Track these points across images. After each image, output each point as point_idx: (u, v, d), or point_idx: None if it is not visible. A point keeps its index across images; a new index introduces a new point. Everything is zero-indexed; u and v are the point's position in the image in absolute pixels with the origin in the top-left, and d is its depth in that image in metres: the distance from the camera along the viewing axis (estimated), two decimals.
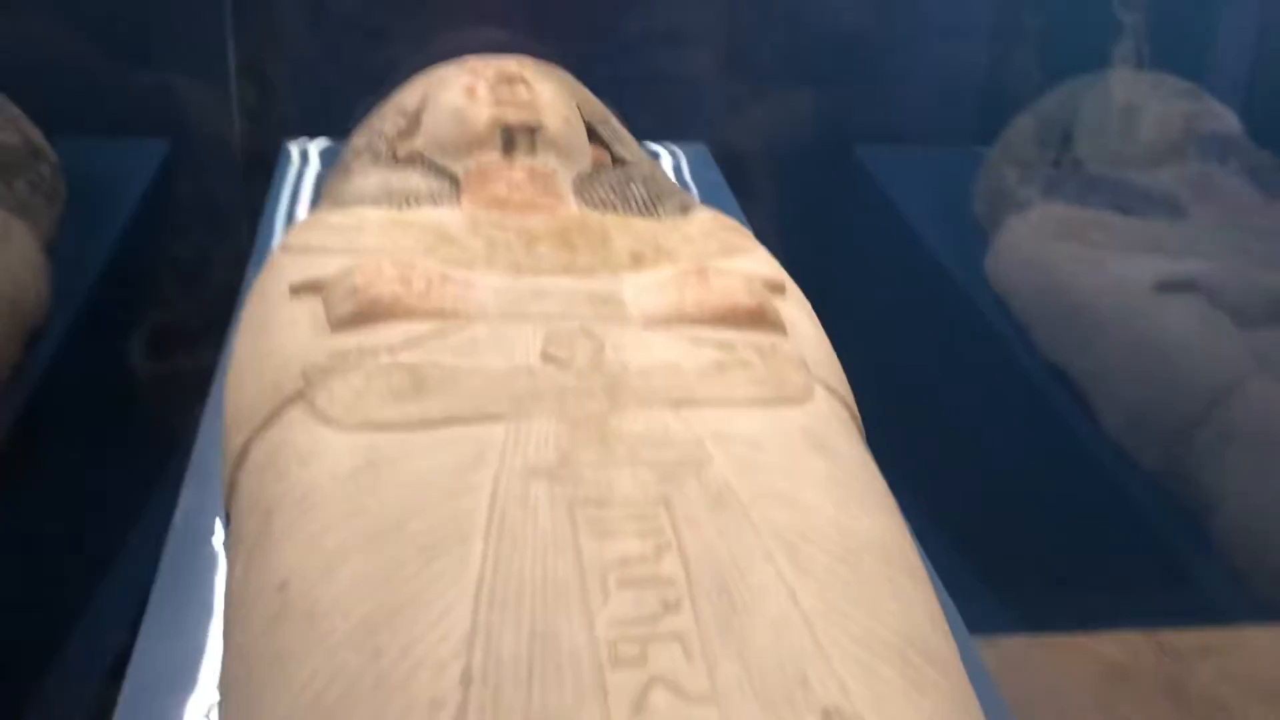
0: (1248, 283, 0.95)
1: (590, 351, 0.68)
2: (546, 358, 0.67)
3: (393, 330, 0.69)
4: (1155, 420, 0.95)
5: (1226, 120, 1.27)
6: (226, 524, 0.67)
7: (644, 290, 0.76)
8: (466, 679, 0.45)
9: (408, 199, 0.89)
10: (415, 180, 0.93)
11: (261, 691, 0.49)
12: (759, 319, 0.74)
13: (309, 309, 0.73)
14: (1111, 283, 1.03)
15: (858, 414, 0.75)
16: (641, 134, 1.06)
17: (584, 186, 0.95)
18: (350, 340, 0.68)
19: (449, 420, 0.62)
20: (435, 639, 0.47)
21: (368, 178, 0.93)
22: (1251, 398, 0.86)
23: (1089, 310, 1.04)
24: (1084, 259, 1.07)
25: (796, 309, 0.82)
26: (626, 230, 0.87)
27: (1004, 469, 1.02)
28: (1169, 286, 1.00)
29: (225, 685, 0.54)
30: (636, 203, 0.94)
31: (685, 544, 0.53)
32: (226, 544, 0.63)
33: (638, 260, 0.81)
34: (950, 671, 0.53)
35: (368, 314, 0.69)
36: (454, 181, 0.92)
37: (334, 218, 0.85)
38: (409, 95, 0.98)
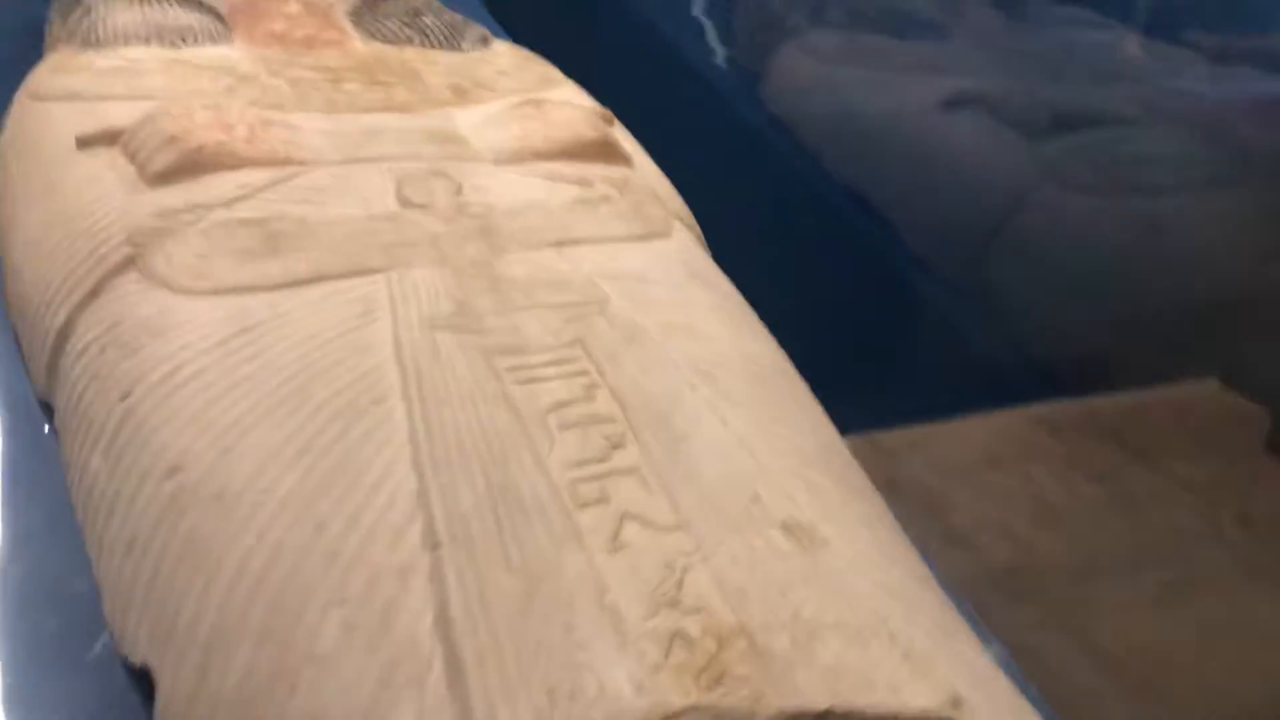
0: (1029, 97, 1.02)
1: (449, 193, 0.65)
2: (404, 202, 0.63)
3: (222, 182, 0.61)
4: (952, 234, 1.02)
5: None
6: (49, 415, 0.59)
7: (482, 126, 0.72)
8: (432, 541, 0.43)
9: (181, 36, 0.79)
10: (179, 14, 0.83)
11: (179, 586, 0.45)
12: (606, 151, 0.72)
13: (108, 163, 0.63)
14: (898, 104, 1.08)
15: (706, 244, 0.76)
16: None
17: (363, 19, 0.88)
18: (176, 196, 0.60)
19: (319, 277, 0.57)
20: (381, 504, 0.44)
21: (117, 14, 0.82)
22: (1040, 206, 0.94)
23: (879, 132, 1.08)
24: (867, 82, 1.11)
25: (628, 141, 0.80)
26: (432, 64, 0.81)
27: (809, 294, 1.06)
28: (955, 103, 1.06)
29: (115, 590, 0.48)
30: (434, 35, 0.88)
31: (612, 382, 0.52)
32: (64, 437, 0.55)
33: (460, 95, 0.77)
34: (862, 476, 0.56)
35: (191, 165, 0.61)
36: (217, 17, 0.83)
37: (98, 60, 0.74)
38: None
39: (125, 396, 0.52)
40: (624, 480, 0.46)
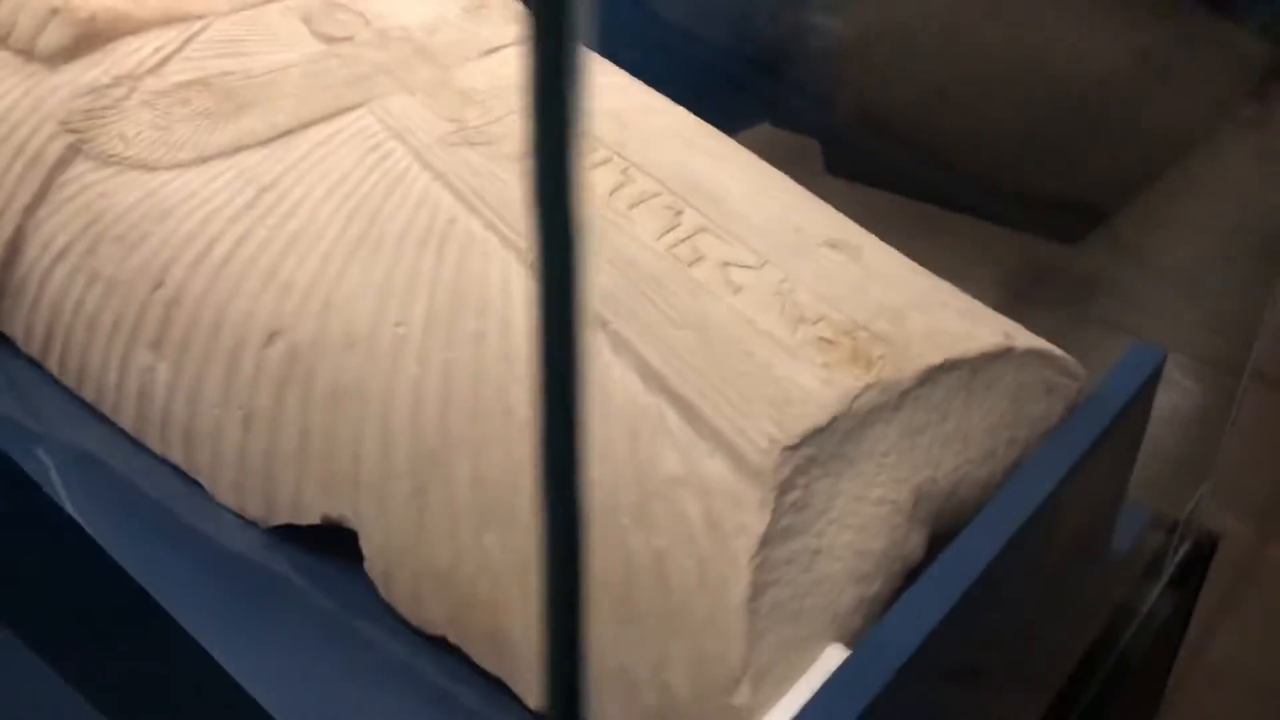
0: None
1: (360, 23, 0.62)
2: (327, 39, 0.60)
3: (132, 49, 0.55)
4: None
5: None
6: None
7: None
8: (599, 320, 0.45)
9: None
10: None
11: (344, 435, 0.44)
12: None
13: None
14: None
15: None
16: None
17: None
18: (91, 72, 0.54)
19: (304, 124, 0.54)
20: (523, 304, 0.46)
21: None
22: None
23: None
24: None
25: None
26: None
27: None
28: None
29: (241, 466, 0.46)
30: None
31: (638, 161, 0.55)
32: (49, 349, 0.50)
33: None
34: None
35: (89, 37, 0.54)
36: None
37: None
38: None
39: (158, 286, 0.49)
40: (703, 238, 0.51)
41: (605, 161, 0.54)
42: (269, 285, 0.48)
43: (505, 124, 0.55)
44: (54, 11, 0.54)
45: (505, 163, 0.53)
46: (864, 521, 0.43)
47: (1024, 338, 0.52)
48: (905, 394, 0.46)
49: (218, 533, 0.47)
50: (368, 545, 0.44)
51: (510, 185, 0.52)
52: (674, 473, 0.41)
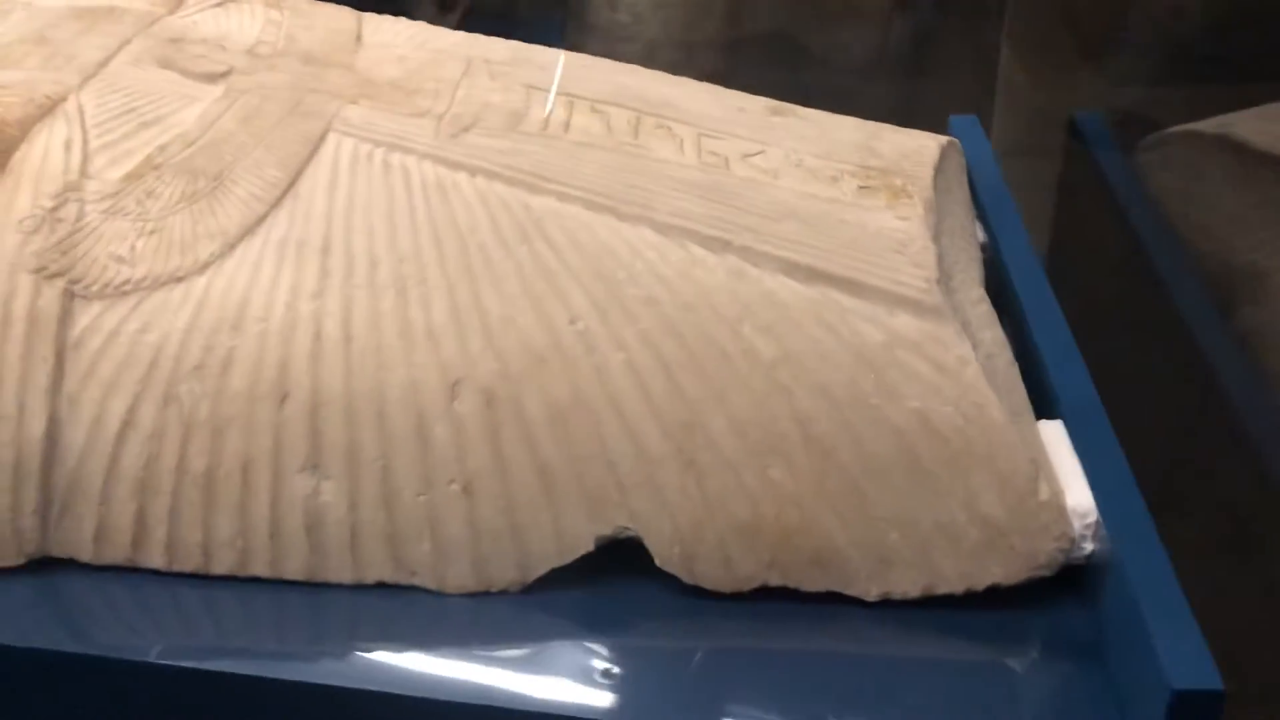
0: None
1: (220, 51, 0.52)
2: (208, 78, 0.50)
3: (39, 157, 0.43)
4: None
5: None
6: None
7: None
8: (720, 245, 0.47)
9: None
10: None
11: (597, 448, 0.42)
12: None
13: None
14: None
15: None
16: None
17: None
18: (19, 202, 0.41)
19: (296, 170, 0.46)
20: (629, 257, 0.46)
21: None
22: None
23: None
24: None
25: None
26: None
27: None
28: None
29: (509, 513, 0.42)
30: None
31: (603, 97, 0.54)
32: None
33: None
34: None
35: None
36: None
37: None
38: None
39: (285, 399, 0.42)
40: (707, 141, 0.53)
41: (573, 108, 0.53)
42: (412, 342, 0.43)
43: (466, 101, 0.52)
44: None
45: (514, 136, 0.51)
46: (982, 319, 0.51)
47: (941, 138, 0.61)
48: (934, 208, 0.54)
49: (474, 623, 0.43)
50: (655, 540, 0.45)
51: (543, 151, 0.50)
52: (880, 340, 0.46)
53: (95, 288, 0.42)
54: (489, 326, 0.45)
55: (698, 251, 0.48)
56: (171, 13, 0.55)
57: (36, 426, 0.41)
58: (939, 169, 0.58)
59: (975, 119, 0.73)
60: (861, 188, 0.54)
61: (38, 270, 0.41)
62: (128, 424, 0.42)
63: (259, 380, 0.42)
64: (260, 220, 0.45)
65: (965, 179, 0.63)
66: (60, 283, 0.41)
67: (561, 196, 0.49)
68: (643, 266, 0.47)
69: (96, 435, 0.41)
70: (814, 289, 0.47)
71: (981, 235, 0.63)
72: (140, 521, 0.42)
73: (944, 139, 0.61)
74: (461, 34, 0.62)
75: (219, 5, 0.58)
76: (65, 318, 0.41)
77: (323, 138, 0.49)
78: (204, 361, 0.42)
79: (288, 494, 0.43)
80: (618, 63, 0.62)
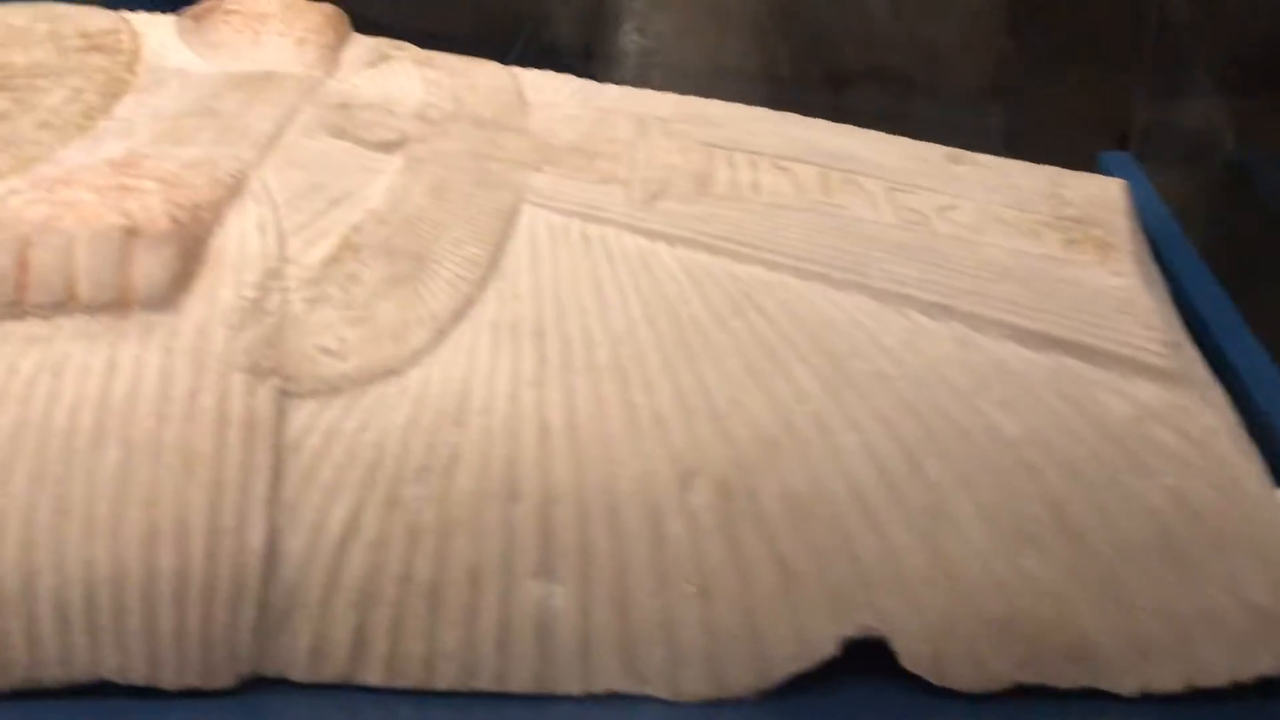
0: None
1: (388, 116, 0.49)
2: (383, 146, 0.47)
3: (234, 242, 0.40)
4: None
5: None
6: None
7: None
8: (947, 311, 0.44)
9: None
10: None
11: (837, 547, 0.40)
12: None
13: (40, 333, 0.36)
14: None
15: None
16: None
17: None
18: (223, 294, 0.38)
19: (496, 247, 0.43)
20: (860, 310, 0.43)
21: None
22: None
23: None
24: None
25: None
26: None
27: None
28: None
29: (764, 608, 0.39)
30: None
31: (776, 152, 0.52)
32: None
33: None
34: None
35: (192, 244, 0.38)
36: None
37: None
38: None
39: (515, 499, 0.38)
40: (900, 196, 0.50)
41: (755, 163, 0.50)
42: (640, 431, 0.40)
43: (650, 165, 0.49)
44: (131, 234, 0.38)
45: (706, 201, 0.48)
46: (1205, 379, 0.48)
47: (1114, 180, 0.59)
48: (1140, 260, 0.51)
49: None
50: (903, 639, 0.41)
51: (740, 215, 0.47)
52: (1125, 412, 0.43)
53: (308, 384, 0.39)
54: (716, 410, 0.42)
55: (920, 319, 0.45)
56: (328, 76, 0.53)
57: (257, 539, 0.38)
58: (1123, 213, 0.56)
59: (1128, 156, 0.71)
60: (1066, 241, 0.51)
61: (250, 368, 0.38)
62: (350, 531, 0.39)
63: (486, 479, 0.39)
64: (469, 302, 0.42)
65: (1140, 223, 0.60)
66: (273, 380, 0.38)
67: (769, 264, 0.46)
68: (865, 338, 0.44)
69: (317, 544, 0.38)
70: (1048, 357, 0.44)
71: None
72: (360, 635, 0.39)
73: (1118, 181, 0.59)
74: (617, 88, 0.59)
75: (372, 65, 0.55)
76: (280, 418, 0.38)
77: (516, 210, 0.46)
78: (428, 461, 0.39)
79: (518, 601, 0.40)
80: (775, 111, 0.60)
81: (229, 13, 0.55)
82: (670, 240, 0.46)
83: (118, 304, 0.38)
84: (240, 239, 0.41)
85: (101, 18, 0.57)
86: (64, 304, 0.38)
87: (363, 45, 0.57)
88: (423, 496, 0.39)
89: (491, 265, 0.44)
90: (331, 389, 0.39)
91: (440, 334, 0.41)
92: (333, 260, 0.42)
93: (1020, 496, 0.42)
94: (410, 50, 0.59)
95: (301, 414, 0.39)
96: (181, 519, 0.37)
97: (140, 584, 0.37)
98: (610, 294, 0.44)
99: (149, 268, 0.38)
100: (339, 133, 0.48)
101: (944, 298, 0.46)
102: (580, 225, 0.46)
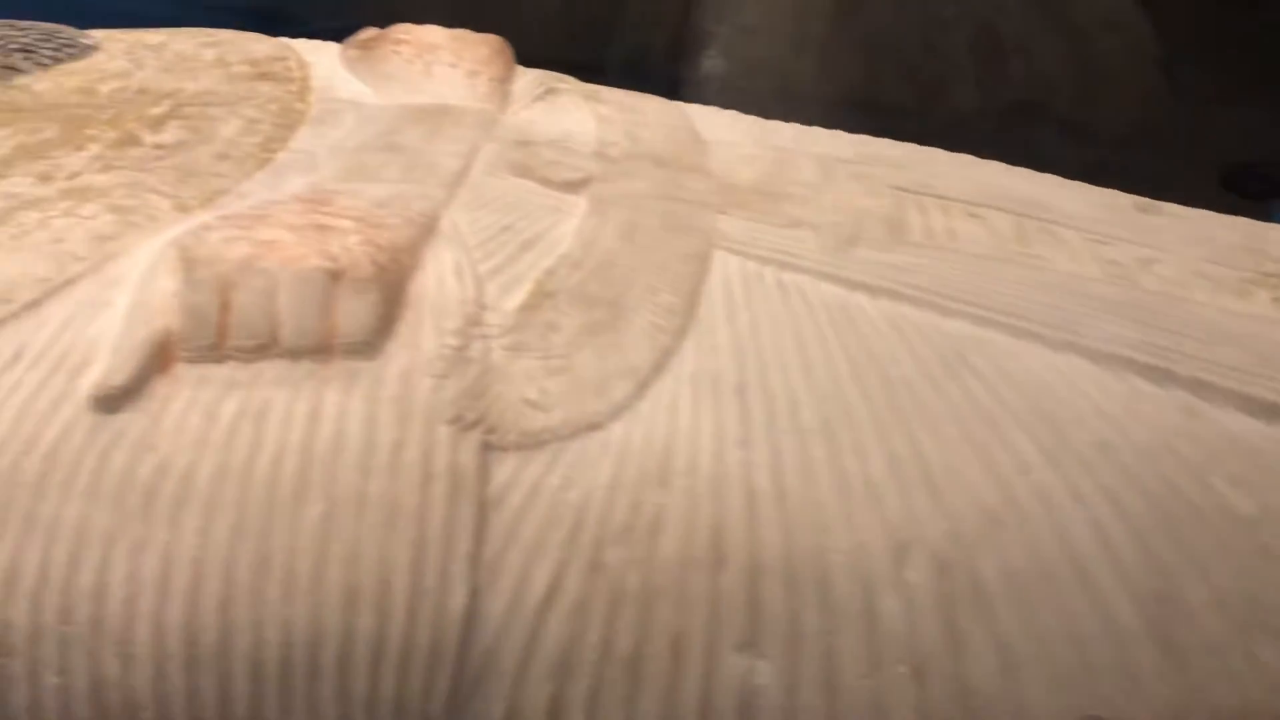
0: None
1: (566, 154, 0.48)
2: (565, 185, 0.45)
3: (431, 286, 0.38)
4: None
5: None
6: None
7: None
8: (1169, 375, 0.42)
9: None
10: None
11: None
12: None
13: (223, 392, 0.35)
14: None
15: None
16: None
17: None
18: (426, 341, 0.37)
19: (690, 293, 0.41)
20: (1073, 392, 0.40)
21: None
22: None
23: None
24: None
25: None
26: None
27: None
28: None
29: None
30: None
31: (969, 198, 0.49)
32: None
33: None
34: None
35: (395, 288, 0.37)
36: None
37: None
38: None
39: (721, 566, 0.36)
40: (1099, 248, 0.48)
41: (946, 210, 0.48)
42: (852, 499, 0.38)
43: (839, 209, 0.47)
44: (334, 277, 0.36)
45: (903, 249, 0.45)
46: None
47: None
48: None
49: None
50: None
51: (940, 266, 0.45)
52: None
53: (511, 437, 0.37)
54: (933, 479, 0.39)
55: (1141, 385, 0.42)
56: (502, 110, 0.51)
57: (458, 601, 0.36)
58: None
59: None
60: (1276, 300, 0.48)
61: (455, 420, 0.36)
62: (551, 594, 0.37)
63: (692, 544, 0.37)
64: (668, 354, 0.40)
65: None
66: (477, 433, 0.36)
67: (977, 320, 0.43)
68: (1086, 404, 0.41)
69: (517, 608, 0.36)
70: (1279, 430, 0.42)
71: None
72: (555, 705, 0.37)
73: None
74: (789, 125, 0.57)
75: (540, 99, 0.53)
76: (483, 473, 0.37)
77: (707, 255, 0.44)
78: (631, 523, 0.37)
79: (721, 674, 0.37)
80: (955, 154, 0.57)
81: (398, 43, 0.55)
82: (871, 291, 0.44)
83: (320, 349, 0.37)
84: (438, 283, 0.39)
85: (266, 44, 0.57)
86: (265, 348, 0.37)
87: (528, 78, 0.56)
88: (626, 560, 0.37)
89: (688, 314, 0.42)
90: (535, 442, 0.37)
91: (641, 387, 0.39)
92: (530, 307, 0.40)
93: (1257, 582, 0.39)
94: (573, 83, 0.58)
95: (505, 468, 0.37)
96: (383, 578, 0.35)
97: (337, 647, 0.35)
98: (813, 348, 0.42)
99: (353, 312, 0.37)
100: (523, 171, 0.46)
101: (1165, 361, 0.43)
102: (775, 272, 0.44)
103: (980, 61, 1.00)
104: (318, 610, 0.35)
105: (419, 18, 0.58)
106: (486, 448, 0.37)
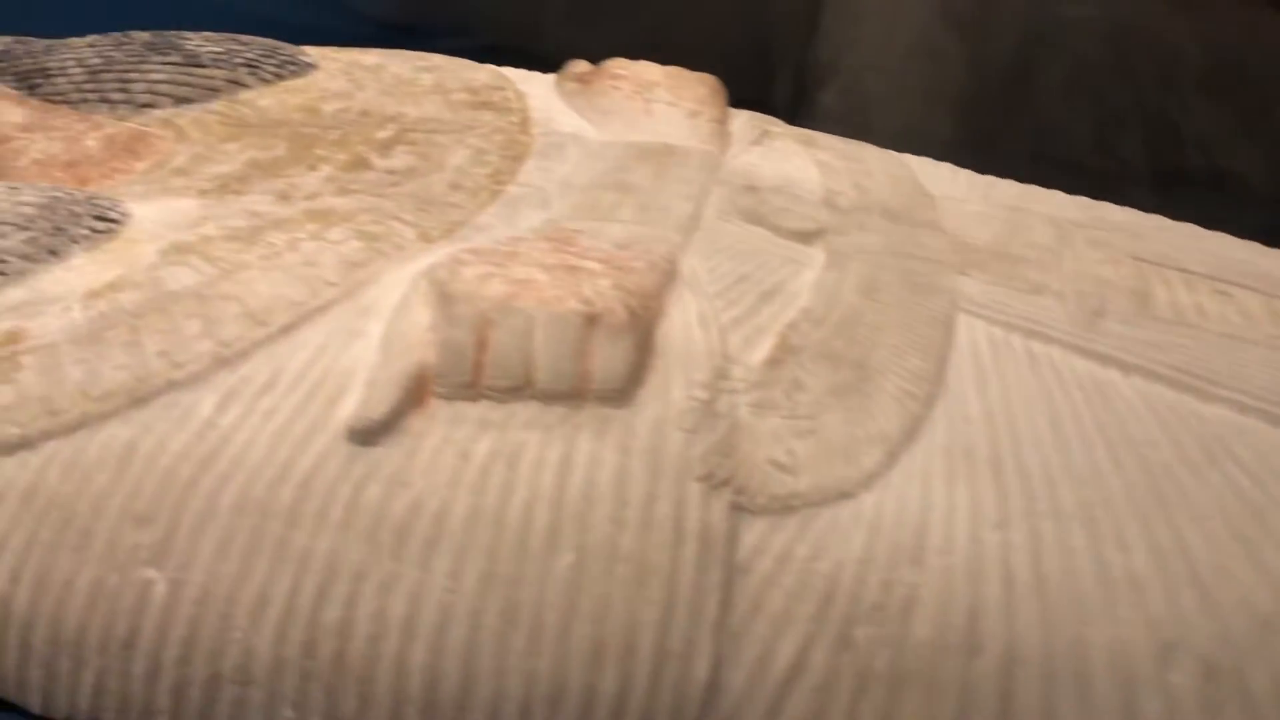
0: None
1: (792, 201, 0.46)
2: (800, 236, 0.44)
3: (677, 333, 0.37)
4: None
5: None
6: None
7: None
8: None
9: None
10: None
11: None
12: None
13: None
14: None
15: None
16: None
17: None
18: (674, 390, 0.36)
19: (939, 357, 0.40)
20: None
21: None
22: None
23: None
24: None
25: None
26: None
27: None
28: None
29: None
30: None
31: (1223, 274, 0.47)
32: None
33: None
34: None
35: (645, 331, 0.36)
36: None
37: None
38: None
39: (976, 654, 0.34)
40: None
41: (1190, 284, 0.45)
42: (1114, 592, 0.35)
43: (1080, 277, 0.45)
44: (590, 321, 0.35)
45: (1152, 324, 0.43)
46: None
47: None
48: None
49: None
50: None
51: (1194, 345, 0.42)
52: None
53: (760, 500, 0.36)
54: (1200, 577, 0.37)
55: None
56: (723, 153, 0.50)
57: (702, 668, 0.34)
58: None
59: None
60: None
61: (705, 477, 0.35)
62: (795, 670, 0.35)
63: (946, 628, 0.35)
64: (918, 422, 0.38)
65: None
66: (727, 493, 0.35)
67: (1237, 406, 0.41)
68: None
69: (759, 680, 0.35)
70: None
71: None
72: None
73: None
74: (1008, 182, 0.55)
75: (757, 143, 0.52)
76: (733, 536, 0.35)
77: (951, 318, 0.42)
78: (883, 601, 0.35)
79: None
80: (1183, 223, 0.55)
81: (616, 78, 0.54)
82: (1124, 368, 0.42)
83: (573, 394, 0.36)
84: (684, 332, 0.38)
85: (481, 72, 0.57)
86: (519, 389, 0.36)
87: (742, 119, 0.55)
88: (876, 639, 0.35)
89: (937, 380, 0.40)
90: (784, 508, 0.36)
91: (892, 456, 0.37)
92: (774, 362, 0.38)
93: None
94: (784, 126, 0.56)
95: (753, 533, 0.35)
96: (629, 638, 0.34)
97: (578, 706, 0.34)
98: (1068, 425, 0.39)
99: (608, 358, 0.36)
100: (754, 218, 0.45)
101: None
102: (1022, 341, 0.42)
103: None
104: (562, 665, 0.34)
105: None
106: (736, 509, 0.35)
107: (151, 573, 0.34)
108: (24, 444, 0.35)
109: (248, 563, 0.34)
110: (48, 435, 0.35)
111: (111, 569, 0.34)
